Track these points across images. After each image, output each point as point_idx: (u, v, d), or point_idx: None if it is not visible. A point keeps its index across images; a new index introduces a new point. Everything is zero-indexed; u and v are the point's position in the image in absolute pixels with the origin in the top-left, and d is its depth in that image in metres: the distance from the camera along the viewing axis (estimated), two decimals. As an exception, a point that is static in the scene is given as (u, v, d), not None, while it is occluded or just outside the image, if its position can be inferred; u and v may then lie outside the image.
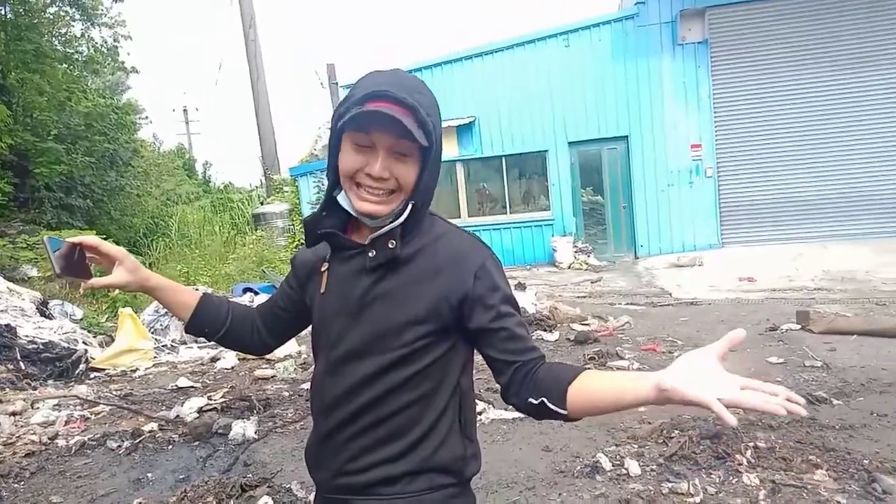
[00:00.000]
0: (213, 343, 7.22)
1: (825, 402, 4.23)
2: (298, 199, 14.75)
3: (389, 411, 1.19)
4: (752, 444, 3.52)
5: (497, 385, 1.22)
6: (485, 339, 1.19)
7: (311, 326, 1.34)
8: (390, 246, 1.16)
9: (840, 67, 11.95)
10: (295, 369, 6.15)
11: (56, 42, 13.50)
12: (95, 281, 1.34)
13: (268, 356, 6.54)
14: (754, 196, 12.52)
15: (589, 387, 1.08)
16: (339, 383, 1.22)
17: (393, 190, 1.15)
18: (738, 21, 12.27)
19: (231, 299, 1.57)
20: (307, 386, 5.49)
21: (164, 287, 1.42)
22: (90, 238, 1.34)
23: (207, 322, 1.44)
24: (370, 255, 1.18)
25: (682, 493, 3.13)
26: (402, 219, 1.16)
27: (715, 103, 12.43)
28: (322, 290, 1.27)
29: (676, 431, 3.80)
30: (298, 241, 14.32)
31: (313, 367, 1.35)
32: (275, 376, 5.99)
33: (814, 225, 12.21)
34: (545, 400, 1.11)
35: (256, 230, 14.75)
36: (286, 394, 5.43)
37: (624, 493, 3.21)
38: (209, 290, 9.05)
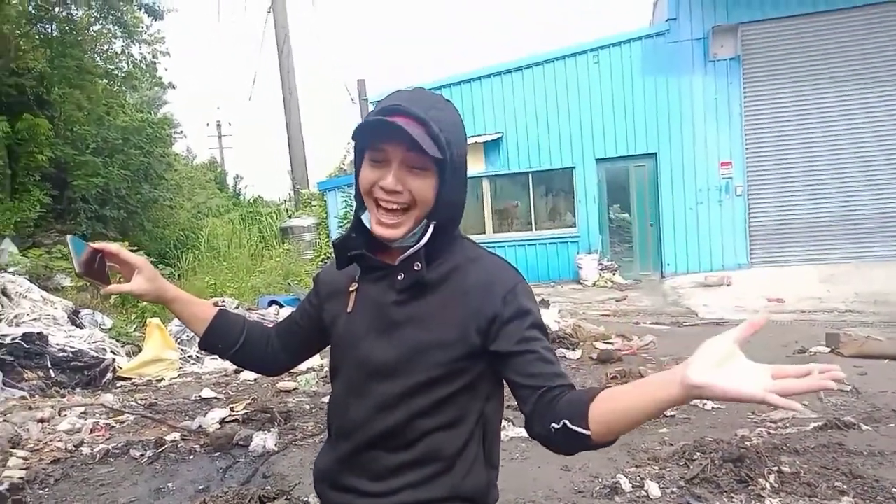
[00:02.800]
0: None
1: (854, 427, 4.11)
2: (326, 213, 14.91)
3: (416, 435, 1.16)
4: (776, 468, 3.43)
5: (517, 404, 1.17)
6: (510, 364, 1.14)
7: (330, 345, 1.32)
8: (416, 268, 1.14)
9: (873, 84, 11.72)
10: (317, 382, 6.19)
11: (98, 58, 13.95)
12: (114, 287, 1.36)
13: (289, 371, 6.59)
14: (785, 215, 12.29)
15: (611, 398, 1.02)
16: (364, 404, 1.19)
17: (408, 206, 1.14)
18: (771, 37, 12.13)
19: (250, 317, 1.55)
20: (328, 399, 5.52)
21: (180, 299, 1.41)
22: (111, 245, 1.35)
23: (222, 338, 1.42)
24: (399, 277, 1.16)
25: (702, 518, 3.06)
26: (425, 240, 1.14)
27: (746, 120, 12.27)
28: (349, 310, 1.24)
29: (698, 454, 3.72)
30: (325, 255, 14.45)
31: (331, 384, 1.33)
32: (296, 389, 6.04)
33: (846, 245, 11.92)
34: (567, 422, 1.04)
35: (284, 244, 14.94)
36: (307, 406, 5.46)
37: (642, 516, 3.15)
38: (235, 303, 9.18)
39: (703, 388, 0.87)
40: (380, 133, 1.11)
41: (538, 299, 7.71)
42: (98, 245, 1.33)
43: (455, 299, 1.15)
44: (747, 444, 3.82)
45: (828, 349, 6.20)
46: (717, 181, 12.44)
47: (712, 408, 4.80)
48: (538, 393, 1.10)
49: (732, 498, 3.25)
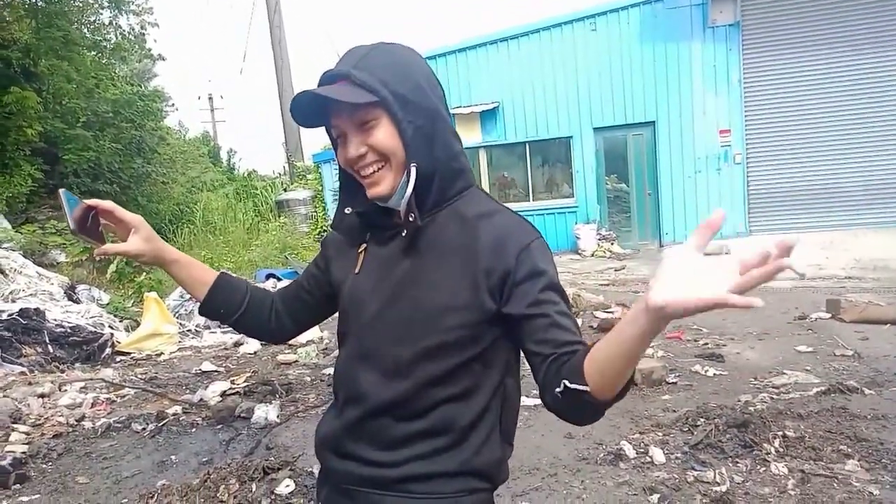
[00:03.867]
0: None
1: (857, 391, 4.11)
2: (322, 185, 14.79)
3: (427, 405, 1.10)
4: (780, 433, 3.44)
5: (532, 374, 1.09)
6: (523, 328, 1.06)
7: (338, 309, 1.27)
8: (410, 219, 1.08)
9: (875, 51, 11.55)
10: (317, 354, 6.18)
11: (85, 30, 13.65)
12: (109, 247, 1.26)
13: (290, 341, 6.58)
14: (784, 183, 12.22)
15: (598, 347, 0.95)
16: (373, 370, 1.14)
17: (380, 162, 1.09)
18: (771, 2, 11.91)
19: (252, 284, 1.48)
20: (329, 371, 5.51)
21: (180, 261, 1.33)
22: (106, 202, 1.26)
23: (224, 303, 1.34)
24: (402, 234, 1.12)
25: (708, 482, 3.07)
26: (411, 184, 1.06)
27: (745, 88, 12.12)
28: (357, 271, 1.20)
29: (702, 420, 3.72)
30: (321, 227, 14.37)
31: (338, 350, 1.27)
32: (297, 361, 6.02)
33: (846, 213, 11.89)
34: (566, 382, 0.97)
35: (279, 217, 14.84)
36: (308, 378, 5.45)
37: (648, 481, 3.15)
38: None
39: (666, 306, 0.79)
40: (298, 110, 1.10)
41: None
42: (92, 202, 1.24)
43: (467, 258, 1.08)
44: (751, 409, 3.83)
45: (828, 315, 6.21)
46: (715, 149, 12.34)
47: (714, 374, 4.81)
48: (548, 360, 1.02)
49: (737, 463, 3.25)
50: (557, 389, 0.98)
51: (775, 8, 11.90)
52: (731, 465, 3.24)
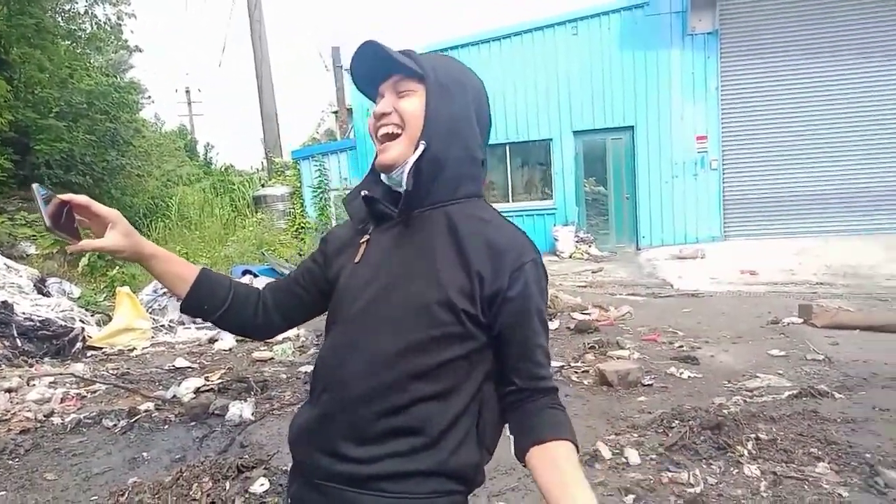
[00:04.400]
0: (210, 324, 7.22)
1: (827, 395, 4.19)
2: (300, 182, 14.66)
3: (406, 400, 1.10)
4: (753, 435, 3.48)
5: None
6: (500, 347, 1.14)
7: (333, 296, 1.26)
8: (402, 188, 1.14)
9: (851, 60, 11.80)
10: (293, 352, 6.13)
11: (59, 18, 13.38)
12: (85, 243, 1.21)
13: (276, 337, 6.51)
14: (759, 189, 12.43)
15: (542, 468, 1.09)
16: (357, 358, 1.13)
17: (398, 127, 1.15)
18: (750, 12, 12.11)
19: (235, 280, 1.45)
20: (305, 369, 5.47)
21: (158, 256, 1.28)
22: (80, 197, 1.20)
23: (206, 299, 1.30)
24: (401, 224, 1.16)
25: (683, 483, 3.10)
26: (415, 156, 1.12)
27: (723, 95, 12.31)
28: (357, 260, 1.21)
29: (677, 422, 3.76)
30: (299, 224, 14.26)
31: (322, 339, 1.26)
32: (272, 358, 5.96)
33: (818, 219, 12.13)
34: (513, 438, 1.15)
35: (257, 213, 14.69)
36: (284, 376, 5.40)
37: (623, 482, 3.17)
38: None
39: None
40: (358, 61, 1.18)
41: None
42: (66, 197, 1.18)
43: (463, 259, 1.10)
44: (724, 412, 3.87)
45: (800, 320, 6.32)
46: (692, 155, 12.50)
47: (689, 377, 4.86)
48: (513, 392, 1.15)
49: (711, 464, 3.29)
50: (507, 433, 1.18)
51: (753, 17, 12.10)
52: (704, 466, 3.28)
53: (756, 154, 12.36)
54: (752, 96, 12.24)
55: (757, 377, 4.73)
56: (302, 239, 13.80)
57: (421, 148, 1.12)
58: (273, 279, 1.44)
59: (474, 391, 1.14)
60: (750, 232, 12.35)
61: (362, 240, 1.22)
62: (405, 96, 1.15)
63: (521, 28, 13.07)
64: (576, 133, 13.08)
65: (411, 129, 1.14)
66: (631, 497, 3.03)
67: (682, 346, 5.74)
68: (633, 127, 12.74)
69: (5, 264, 7.18)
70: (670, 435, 3.63)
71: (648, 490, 3.09)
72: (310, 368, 5.43)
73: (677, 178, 12.62)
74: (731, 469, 3.23)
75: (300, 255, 12.05)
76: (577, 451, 1.13)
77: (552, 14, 13.08)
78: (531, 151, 13.60)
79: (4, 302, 6.19)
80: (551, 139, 13.18)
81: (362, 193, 1.23)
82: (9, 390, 4.89)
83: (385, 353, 1.10)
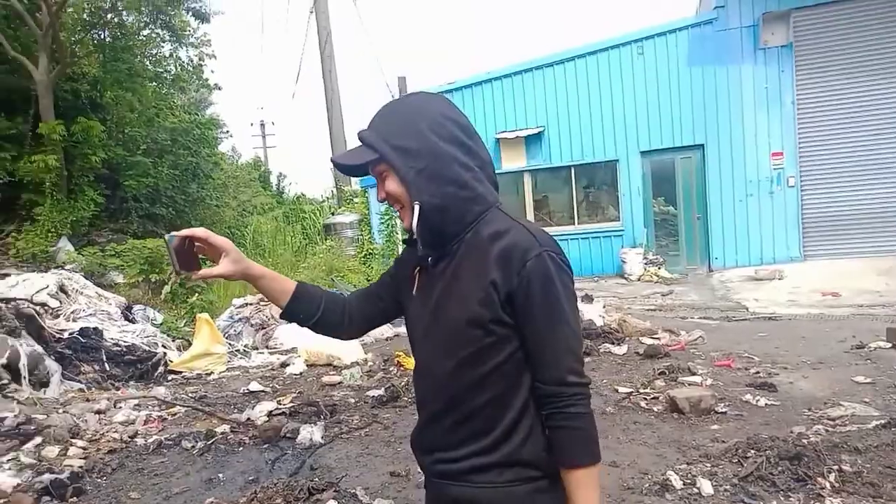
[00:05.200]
0: (282, 349, 7.36)
1: (920, 426, 3.92)
2: (368, 209, 15.01)
3: (472, 408, 1.26)
4: (836, 466, 3.30)
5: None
6: (524, 344, 1.24)
7: (406, 319, 1.47)
8: (421, 252, 1.30)
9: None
10: (361, 376, 6.24)
11: (147, 62, 14.32)
12: (206, 272, 1.43)
13: (335, 363, 6.67)
14: (839, 206, 11.82)
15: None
16: (426, 380, 1.35)
17: (397, 204, 1.30)
18: (825, 23, 11.67)
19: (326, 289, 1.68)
20: (372, 393, 5.57)
21: (265, 275, 1.49)
22: (200, 230, 1.42)
23: (302, 309, 1.51)
24: (430, 261, 1.32)
25: (758, 517, 2.96)
26: (414, 221, 1.25)
27: (799, 110, 11.84)
28: (414, 292, 1.38)
29: (752, 451, 3.61)
30: (367, 250, 14.58)
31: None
32: (341, 382, 6.09)
33: (906, 237, 11.41)
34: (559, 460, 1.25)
35: (326, 240, 15.10)
36: (352, 400, 5.51)
37: (695, 514, 3.07)
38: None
39: None
40: (344, 172, 1.41)
41: (581, 293, 7.58)
42: (187, 232, 1.41)
43: (482, 274, 1.22)
44: (804, 441, 3.68)
45: (889, 344, 5.94)
46: (767, 172, 12.05)
47: (766, 405, 4.65)
48: (536, 390, 1.25)
49: (790, 497, 3.14)
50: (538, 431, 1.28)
51: (828, 30, 11.65)
52: (782, 498, 3.13)
53: (835, 170, 11.79)
54: (830, 110, 11.73)
55: (840, 405, 4.48)
56: (370, 265, 14.09)
57: (417, 209, 1.25)
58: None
59: (529, 388, 1.26)
60: (831, 251, 11.74)
61: (415, 272, 1.39)
62: (385, 178, 1.30)
63: (585, 50, 13.05)
64: (643, 153, 12.87)
65: (405, 200, 1.28)
66: (703, 529, 2.93)
67: (758, 373, 5.50)
68: (703, 145, 12.42)
69: (97, 293, 7.67)
70: (745, 465, 3.48)
71: (722, 523, 2.97)
72: (377, 393, 5.53)
73: (752, 196, 12.18)
74: (812, 502, 3.07)
75: (367, 280, 12.29)
76: (594, 464, 1.23)
77: (617, 35, 12.99)
78: (597, 173, 13.47)
79: (96, 328, 6.61)
80: (618, 160, 13.00)
81: (406, 238, 1.39)
82: (98, 412, 5.20)
83: (443, 375, 1.29)
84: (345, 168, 1.36)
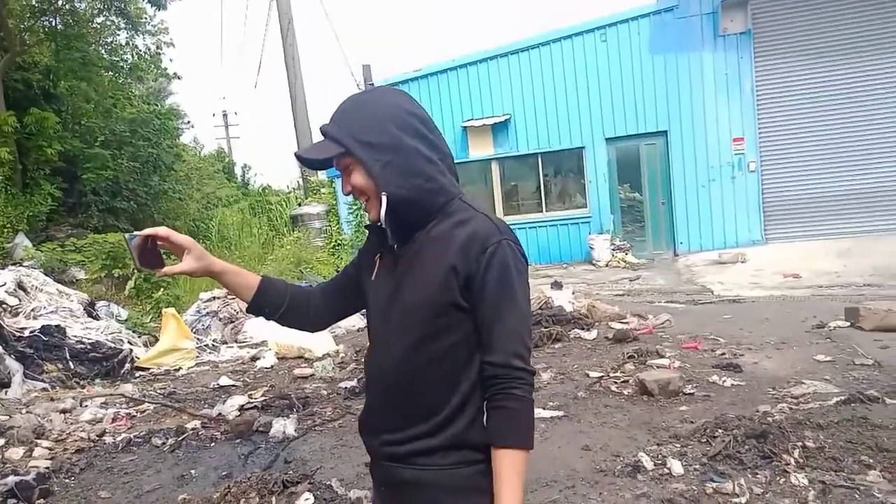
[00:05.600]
0: (252, 343, 7.27)
1: (877, 401, 4.06)
2: (336, 199, 14.88)
3: (420, 390, 1.31)
4: (799, 443, 3.40)
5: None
6: (476, 326, 1.29)
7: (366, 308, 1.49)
8: (388, 239, 1.33)
9: (887, 54, 11.50)
10: (333, 368, 6.21)
11: (102, 51, 13.90)
12: (168, 269, 1.47)
13: (306, 356, 6.63)
14: (799, 190, 12.15)
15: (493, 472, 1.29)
16: (380, 362, 1.38)
17: (363, 196, 1.33)
18: (783, 10, 11.92)
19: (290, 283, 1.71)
20: (345, 384, 5.55)
21: (228, 271, 1.53)
22: (162, 229, 1.45)
23: (268, 302, 1.54)
24: (395, 248, 1.35)
25: (728, 494, 3.04)
26: (383, 209, 1.28)
27: (758, 96, 12.10)
28: (373, 278, 1.42)
29: (720, 430, 3.70)
30: (336, 241, 14.46)
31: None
32: (313, 375, 6.06)
33: (862, 219, 11.78)
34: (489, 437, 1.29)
35: (294, 231, 14.94)
36: (324, 392, 5.49)
37: (666, 493, 3.14)
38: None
39: None
40: (304, 165, 1.42)
41: (550, 281, 7.68)
42: (148, 231, 1.43)
43: (442, 260, 1.27)
44: (769, 419, 3.79)
45: (847, 323, 6.15)
46: (729, 157, 12.31)
47: (731, 385, 4.77)
48: (484, 370, 1.29)
49: (757, 474, 3.23)
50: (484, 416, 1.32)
51: (787, 15, 11.90)
52: (750, 476, 3.21)
53: (795, 154, 12.11)
54: (789, 95, 12.01)
55: (803, 383, 4.62)
56: (339, 256, 13.99)
57: (384, 199, 1.28)
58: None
59: (477, 373, 1.31)
60: (791, 234, 12.07)
61: (375, 257, 1.43)
62: (350, 172, 1.33)
63: (549, 37, 13.10)
64: (608, 140, 13.00)
65: (370, 191, 1.32)
66: (674, 508, 3.00)
67: (724, 354, 5.64)
68: (666, 132, 12.61)
69: (57, 289, 7.46)
70: (714, 444, 3.57)
71: (692, 501, 3.05)
72: (349, 384, 5.51)
73: (714, 181, 12.43)
74: (778, 478, 3.16)
75: (337, 271, 12.20)
76: (524, 448, 1.27)
77: (580, 22, 13.06)
78: (564, 160, 13.56)
79: (58, 326, 6.44)
80: (584, 147, 13.12)
81: (368, 224, 1.41)
82: (64, 411, 5.08)
83: (396, 354, 1.32)
84: (309, 162, 1.37)
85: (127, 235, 1.43)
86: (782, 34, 11.95)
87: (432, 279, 1.28)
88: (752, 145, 12.19)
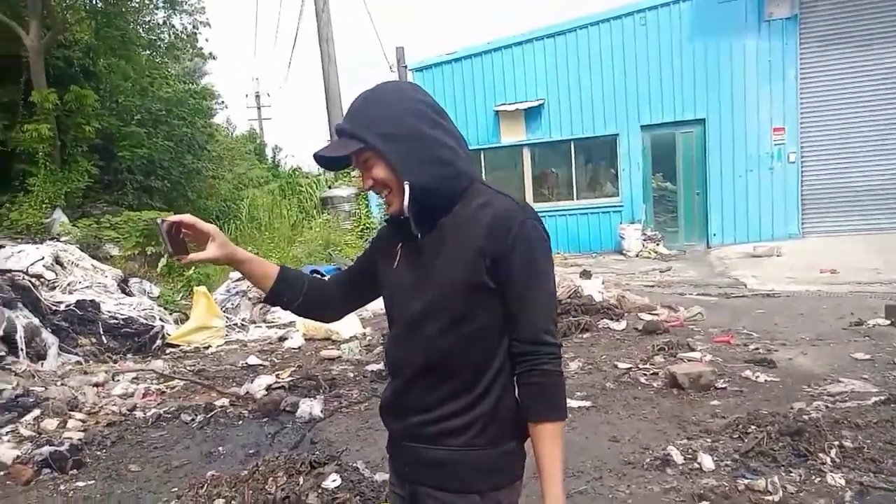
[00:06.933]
0: (280, 323, 7.32)
1: (920, 402, 3.93)
2: (365, 183, 14.89)
3: (450, 371, 1.33)
4: (836, 442, 3.30)
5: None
6: (504, 304, 1.31)
7: (383, 297, 1.51)
8: (412, 229, 1.34)
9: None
10: (360, 350, 6.23)
11: (140, 29, 14.02)
12: (193, 256, 1.50)
13: (333, 337, 6.66)
14: (840, 183, 11.78)
15: (533, 447, 1.33)
16: (408, 346, 1.39)
17: (385, 189, 1.35)
18: (831, -5, 11.48)
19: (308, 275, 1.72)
20: (372, 368, 5.56)
21: (248, 260, 1.56)
22: (188, 217, 1.48)
23: (286, 293, 1.57)
24: (419, 236, 1.36)
25: (760, 491, 2.97)
26: (406, 201, 1.29)
27: (802, 84, 11.71)
28: (395, 266, 1.43)
29: (753, 427, 3.61)
30: (364, 224, 14.50)
31: (388, 332, 1.52)
32: (340, 357, 6.08)
33: (905, 214, 11.39)
34: (524, 412, 1.34)
35: (323, 214, 15.01)
36: (351, 374, 5.51)
37: (696, 488, 3.08)
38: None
39: None
40: (334, 163, 1.43)
41: (579, 270, 7.58)
42: (174, 218, 1.46)
43: (469, 244, 1.29)
44: (805, 417, 3.68)
45: (887, 321, 5.95)
46: (768, 147, 11.98)
47: (765, 381, 4.66)
48: (512, 348, 1.33)
49: (791, 472, 3.14)
50: (518, 396, 1.37)
51: (835, 1, 11.46)
52: (784, 474, 3.13)
53: (838, 145, 11.73)
54: (835, 84, 11.61)
55: (840, 381, 4.49)
56: (367, 239, 14.03)
57: (407, 189, 1.29)
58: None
59: (505, 352, 1.34)
60: (830, 228, 11.74)
61: (396, 247, 1.44)
62: (370, 166, 1.34)
63: (587, 21, 12.85)
64: (643, 127, 12.76)
65: (392, 183, 1.33)
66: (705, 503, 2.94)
67: (757, 349, 5.51)
68: (704, 120, 12.32)
69: (92, 265, 7.61)
70: (746, 440, 3.49)
71: (723, 497, 2.98)
72: (376, 367, 5.52)
73: (752, 172, 12.12)
74: (813, 477, 3.07)
75: (366, 254, 12.25)
76: (561, 420, 1.32)
77: (619, 5, 12.76)
78: (597, 147, 13.36)
79: (92, 301, 6.57)
80: (618, 134, 12.90)
81: (402, 217, 1.37)
82: (96, 385, 5.19)
83: (423, 340, 1.34)
84: (329, 162, 1.41)
85: (158, 220, 1.46)
86: (831, 20, 11.53)
87: (460, 262, 1.30)
88: (792, 135, 11.84)
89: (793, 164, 11.88)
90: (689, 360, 5.13)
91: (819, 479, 3.06)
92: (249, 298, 8.12)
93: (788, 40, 11.65)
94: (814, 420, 3.61)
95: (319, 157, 1.39)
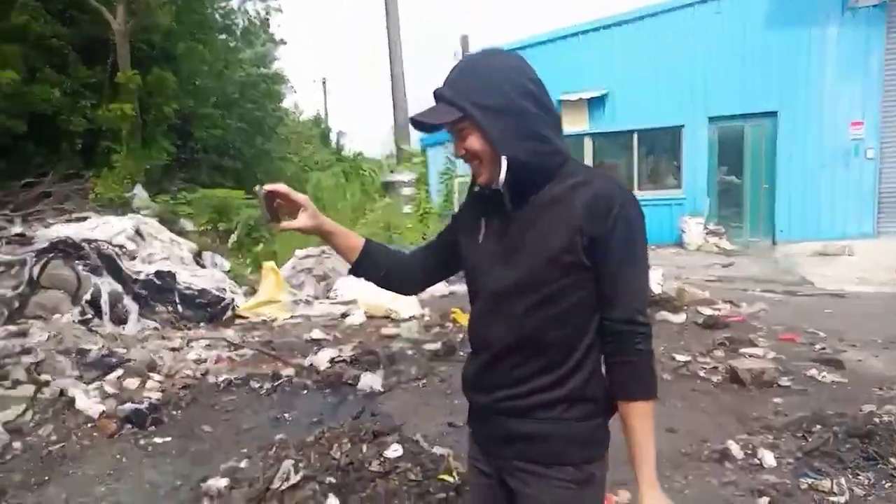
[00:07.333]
0: (342, 300, 7.48)
1: None
2: (427, 168, 15.03)
3: (542, 346, 1.34)
4: (909, 447, 3.21)
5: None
6: (597, 283, 1.32)
7: (465, 271, 1.51)
8: (506, 203, 1.33)
9: None
10: (418, 330, 6.36)
11: (217, 14, 14.55)
12: (286, 224, 1.54)
13: (393, 316, 6.82)
14: (922, 182, 11.16)
15: (623, 425, 1.37)
16: (497, 319, 1.38)
17: (475, 160, 1.35)
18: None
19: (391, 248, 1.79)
20: (429, 346, 5.68)
21: (337, 232, 1.61)
22: (283, 186, 1.53)
23: (369, 265, 1.62)
24: (510, 209, 1.35)
25: (824, 491, 2.93)
26: (502, 174, 1.30)
27: (886, 77, 11.10)
28: (480, 240, 1.43)
29: (818, 426, 3.54)
30: (424, 208, 14.68)
31: (470, 306, 1.52)
32: (399, 335, 6.23)
33: None
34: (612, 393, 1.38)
35: (385, 197, 15.25)
36: (409, 352, 5.64)
37: (756, 484, 3.06)
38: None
39: None
40: (424, 130, 1.41)
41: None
42: (272, 186, 1.52)
43: (566, 221, 1.30)
44: (875, 420, 3.58)
45: (968, 328, 5.68)
46: (844, 142, 11.44)
47: (832, 381, 4.54)
48: (603, 326, 1.34)
49: (858, 475, 3.07)
50: (608, 383, 1.39)
51: (927, -11, 10.82)
52: (850, 476, 3.07)
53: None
54: (921, 78, 10.96)
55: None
56: (426, 224, 14.19)
57: (505, 162, 1.29)
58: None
59: (595, 330, 1.36)
60: (908, 228, 11.15)
61: (481, 221, 1.44)
62: (465, 136, 1.34)
63: (658, 9, 12.51)
64: (711, 119, 12.39)
65: (485, 155, 1.33)
66: (765, 500, 2.92)
67: (824, 349, 5.36)
68: (776, 112, 11.86)
69: (170, 238, 8.01)
70: (811, 440, 3.43)
71: (784, 494, 2.95)
72: (433, 346, 5.64)
73: (825, 167, 11.61)
74: (883, 482, 3.00)
75: (423, 238, 12.41)
76: (653, 399, 1.34)
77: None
78: (660, 139, 13.07)
79: (170, 272, 6.93)
80: (683, 126, 12.57)
81: (494, 187, 1.37)
82: (173, 349, 5.50)
83: (514, 316, 1.35)
84: (424, 126, 1.39)
85: (257, 188, 1.54)
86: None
87: (555, 240, 1.30)
88: (872, 130, 11.28)
89: (870, 160, 11.32)
90: (750, 357, 5.03)
91: (889, 483, 2.99)
92: (314, 276, 8.38)
93: (874, 29, 11.05)
94: (885, 423, 3.50)
95: (417, 121, 1.38)
